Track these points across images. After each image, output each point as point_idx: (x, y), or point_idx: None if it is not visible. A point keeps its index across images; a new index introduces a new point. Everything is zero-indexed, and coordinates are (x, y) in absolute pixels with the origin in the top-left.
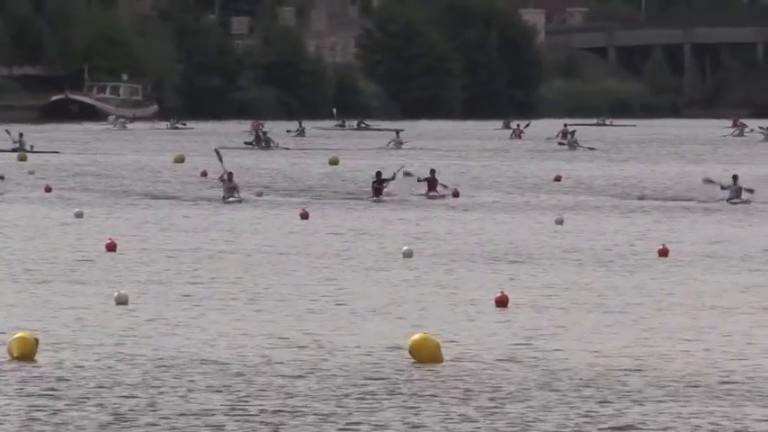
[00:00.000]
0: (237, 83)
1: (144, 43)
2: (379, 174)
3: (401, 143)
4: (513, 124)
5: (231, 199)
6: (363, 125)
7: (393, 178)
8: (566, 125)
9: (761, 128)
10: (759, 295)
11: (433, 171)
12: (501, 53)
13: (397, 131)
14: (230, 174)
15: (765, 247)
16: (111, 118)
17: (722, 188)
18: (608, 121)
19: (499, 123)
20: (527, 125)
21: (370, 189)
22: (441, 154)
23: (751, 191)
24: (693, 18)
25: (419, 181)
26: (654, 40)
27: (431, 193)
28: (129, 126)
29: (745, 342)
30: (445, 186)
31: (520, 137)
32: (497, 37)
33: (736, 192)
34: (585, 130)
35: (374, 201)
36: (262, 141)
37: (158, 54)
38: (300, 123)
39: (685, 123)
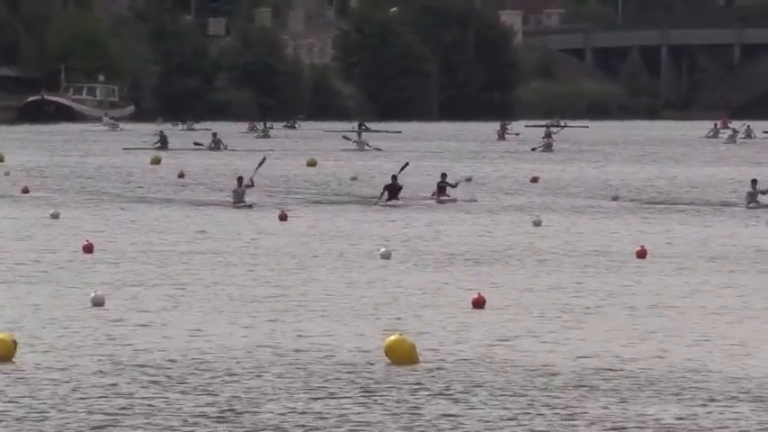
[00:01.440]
0: (214, 84)
1: (120, 44)
2: (393, 177)
3: (365, 144)
4: (507, 125)
5: (240, 204)
6: (364, 127)
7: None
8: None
9: (765, 132)
10: (737, 296)
11: (444, 175)
12: (478, 54)
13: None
14: (240, 178)
15: (743, 248)
16: (106, 119)
17: (762, 193)
18: (562, 122)
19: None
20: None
21: (382, 193)
22: (418, 155)
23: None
24: (670, 20)
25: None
26: (631, 42)
27: (441, 197)
28: (120, 127)
29: (723, 342)
30: (455, 185)
31: (505, 138)
32: (474, 38)
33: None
34: (540, 131)
35: (386, 204)
36: (212, 143)
37: (135, 55)
38: (266, 124)
39: (660, 125)
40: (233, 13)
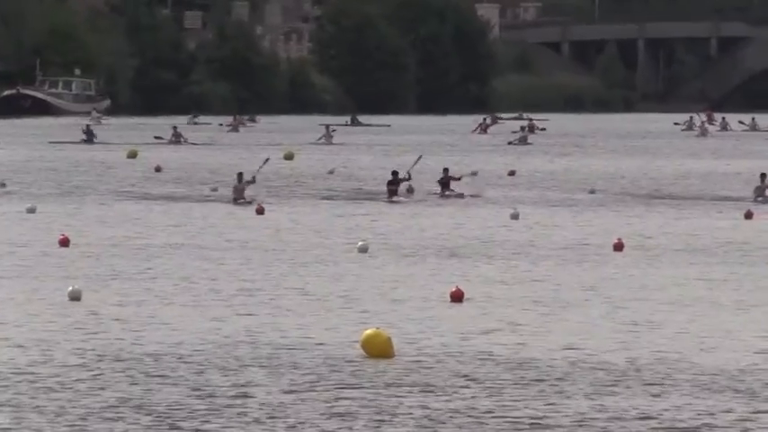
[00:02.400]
0: (191, 77)
1: (97, 38)
2: (394, 173)
3: (332, 137)
4: (489, 119)
5: (241, 200)
6: (356, 121)
7: (409, 178)
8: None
9: (740, 122)
10: (713, 288)
11: (446, 170)
12: (455, 47)
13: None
14: (240, 174)
15: (718, 241)
16: (94, 114)
17: None
18: (525, 116)
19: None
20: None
21: (386, 190)
22: (388, 149)
23: None
24: (647, 13)
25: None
26: (607, 35)
27: (446, 192)
28: (103, 121)
29: (699, 335)
30: (459, 178)
31: (486, 131)
32: (452, 31)
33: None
34: (506, 125)
35: (388, 201)
36: (172, 136)
37: (111, 49)
38: (235, 118)
39: (637, 118)
40: (209, 6)
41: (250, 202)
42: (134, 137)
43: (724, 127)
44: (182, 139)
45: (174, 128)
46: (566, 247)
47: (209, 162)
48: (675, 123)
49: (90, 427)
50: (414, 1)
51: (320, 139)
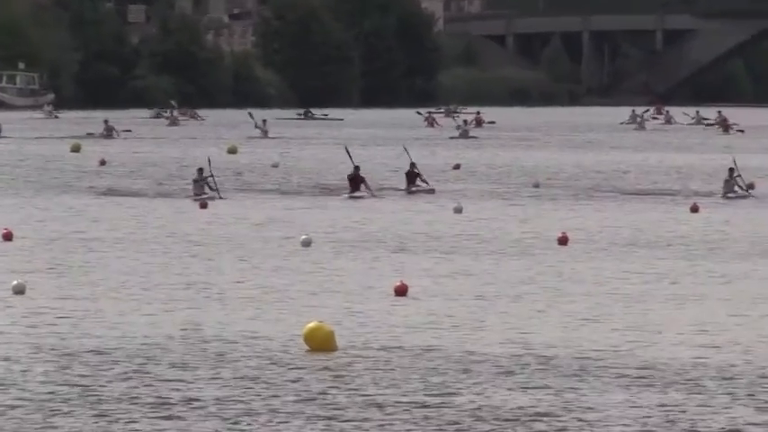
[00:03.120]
0: (134, 71)
1: (41, 32)
2: (357, 168)
3: (266, 131)
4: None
5: (204, 196)
6: (309, 114)
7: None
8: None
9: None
10: (657, 282)
11: (413, 164)
12: (400, 41)
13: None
14: (200, 170)
15: (663, 235)
16: (46, 108)
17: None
18: (459, 109)
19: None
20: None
21: (347, 184)
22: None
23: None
24: (592, 6)
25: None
26: (552, 28)
27: (412, 188)
28: (59, 115)
29: (643, 329)
30: (426, 182)
31: (433, 125)
32: (396, 25)
33: (730, 185)
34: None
35: (350, 197)
36: (104, 131)
37: (55, 43)
38: (172, 112)
39: (582, 111)
40: (153, 0)
41: (212, 198)
42: (78, 131)
43: (668, 120)
44: (114, 133)
45: (106, 121)
46: (510, 240)
47: (154, 156)
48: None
49: (31, 419)
50: None
51: (256, 128)
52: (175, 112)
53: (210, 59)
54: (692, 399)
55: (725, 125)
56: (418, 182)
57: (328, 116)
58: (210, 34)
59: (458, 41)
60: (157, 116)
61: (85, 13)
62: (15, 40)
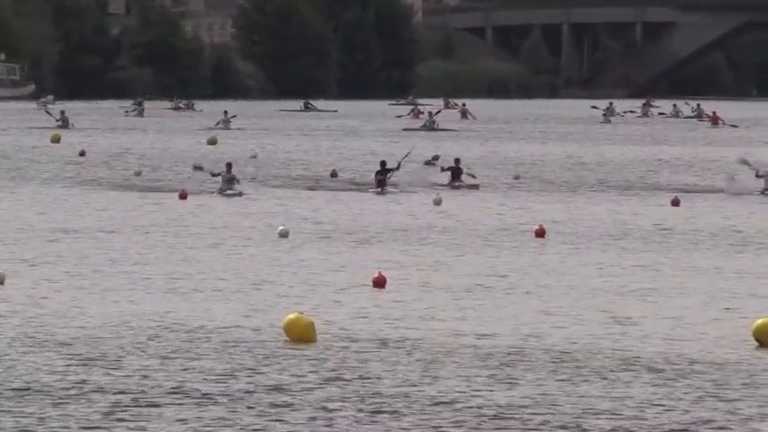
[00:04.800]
0: (115, 62)
1: (21, 23)
2: (383, 163)
3: (229, 122)
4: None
5: (229, 191)
6: (309, 106)
7: (398, 168)
8: (447, 101)
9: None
10: (633, 275)
11: (457, 160)
12: (378, 33)
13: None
14: (229, 164)
15: (642, 228)
16: (41, 100)
17: (757, 175)
18: (416, 101)
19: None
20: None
21: (373, 180)
22: (311, 134)
23: None
24: None
25: (443, 170)
26: (532, 20)
27: (456, 183)
28: (50, 107)
29: (618, 322)
30: (473, 176)
31: (418, 116)
32: (374, 17)
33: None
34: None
35: (377, 192)
36: (60, 121)
37: (36, 34)
38: (141, 103)
39: (561, 104)
40: None
41: (240, 194)
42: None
43: (645, 113)
44: (69, 124)
45: (62, 112)
46: (488, 233)
47: (135, 147)
48: (593, 107)
49: (3, 408)
50: None
51: (218, 124)
52: (181, 104)
53: (190, 51)
54: (667, 391)
55: (713, 119)
56: (463, 177)
57: (314, 107)
58: (190, 25)
59: (436, 34)
60: (132, 111)
61: (66, 4)
62: None
